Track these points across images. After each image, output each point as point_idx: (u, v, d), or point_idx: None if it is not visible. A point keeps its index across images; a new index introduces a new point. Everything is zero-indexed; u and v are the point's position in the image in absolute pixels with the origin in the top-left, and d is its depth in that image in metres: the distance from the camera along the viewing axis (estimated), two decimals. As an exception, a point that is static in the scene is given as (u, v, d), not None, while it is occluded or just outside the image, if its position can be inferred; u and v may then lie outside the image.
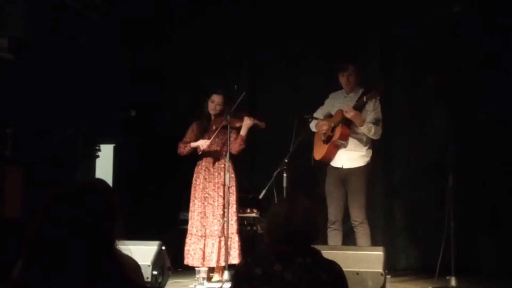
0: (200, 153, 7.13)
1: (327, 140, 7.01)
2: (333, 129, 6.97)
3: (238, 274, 3.09)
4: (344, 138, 6.90)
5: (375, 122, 6.89)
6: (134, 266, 2.50)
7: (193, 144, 7.15)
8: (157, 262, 6.06)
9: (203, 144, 7.08)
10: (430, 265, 6.77)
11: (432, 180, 7.87)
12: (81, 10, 8.32)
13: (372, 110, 6.91)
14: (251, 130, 7.13)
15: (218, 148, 7.16)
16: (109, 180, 8.51)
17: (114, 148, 8.89)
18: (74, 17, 8.21)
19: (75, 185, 2.13)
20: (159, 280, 6.06)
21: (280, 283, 2.88)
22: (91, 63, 8.50)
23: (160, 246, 6.20)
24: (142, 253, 5.84)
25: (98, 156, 8.48)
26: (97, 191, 2.13)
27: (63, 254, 2.01)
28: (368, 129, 6.82)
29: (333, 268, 2.98)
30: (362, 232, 6.85)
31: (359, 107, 6.83)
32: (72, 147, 7.47)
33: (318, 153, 7.11)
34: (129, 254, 2.37)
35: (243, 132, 7.07)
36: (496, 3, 7.95)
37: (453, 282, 6.21)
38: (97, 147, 8.46)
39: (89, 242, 2.02)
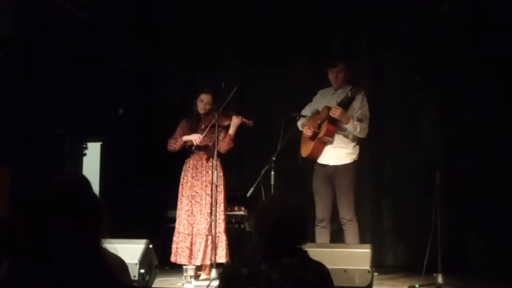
0: (193, 148, 7.10)
1: (314, 137, 7.03)
2: (319, 126, 6.99)
3: (225, 274, 3.08)
4: (330, 134, 6.91)
5: (362, 120, 6.91)
6: (120, 264, 2.50)
7: (185, 138, 7.12)
8: (144, 260, 6.04)
9: (196, 139, 7.05)
10: (418, 263, 6.78)
11: (420, 179, 7.89)
12: (70, 9, 8.30)
13: (360, 107, 6.93)
14: (239, 129, 7.13)
15: (207, 147, 7.16)
16: (96, 178, 8.50)
17: (101, 146, 8.86)
18: (62, 16, 8.19)
19: (61, 184, 2.13)
20: (146, 279, 6.05)
21: (267, 284, 2.88)
22: (79, 62, 8.48)
23: (147, 244, 6.19)
24: (129, 251, 5.82)
25: (85, 154, 8.46)
26: (83, 190, 2.13)
27: (49, 253, 2.00)
28: (354, 127, 6.84)
29: (320, 269, 2.96)
30: (351, 230, 6.86)
31: (344, 103, 6.87)
32: (60, 146, 7.46)
33: (305, 150, 7.12)
34: (115, 253, 2.37)
35: (231, 131, 7.07)
36: (484, 2, 7.97)
37: (439, 279, 6.23)
38: (84, 145, 8.44)
39: (75, 241, 2.02)
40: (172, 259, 7.08)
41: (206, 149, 7.15)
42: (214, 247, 6.85)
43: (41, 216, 2.05)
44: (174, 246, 7.10)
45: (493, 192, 7.97)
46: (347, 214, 6.89)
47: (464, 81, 8.07)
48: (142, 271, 5.95)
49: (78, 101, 8.49)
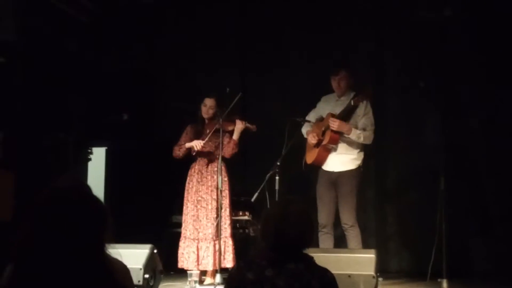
0: (194, 153, 7.12)
1: (318, 144, 7.02)
2: (323, 133, 6.98)
3: (230, 279, 3.08)
4: (334, 142, 6.90)
5: (366, 128, 6.89)
6: (123, 269, 2.49)
7: (188, 145, 7.16)
8: (149, 265, 6.04)
9: (197, 144, 7.08)
10: (422, 268, 6.78)
11: (424, 183, 7.86)
12: (72, 13, 8.30)
13: (363, 115, 6.92)
14: (243, 133, 7.14)
15: (211, 151, 7.17)
16: (101, 183, 8.50)
17: (106, 151, 8.86)
18: (64, 20, 8.19)
19: (64, 188, 2.12)
20: (151, 284, 6.05)
21: (272, 290, 2.87)
22: (82, 66, 8.48)
23: (152, 249, 6.19)
24: (134, 256, 5.83)
25: (90, 159, 8.46)
26: (86, 194, 2.12)
27: (52, 258, 2.00)
28: (357, 136, 6.82)
29: (325, 275, 2.96)
30: (353, 235, 6.84)
31: (347, 111, 6.85)
32: (64, 151, 7.46)
33: (310, 156, 7.11)
34: (119, 258, 2.37)
35: (235, 136, 7.08)
36: (486, 7, 7.96)
37: (444, 284, 6.23)
38: (89, 150, 8.44)
39: (78, 246, 2.02)
40: (180, 264, 7.08)
41: (208, 155, 7.17)
42: (220, 252, 6.84)
43: (44, 221, 2.04)
44: (180, 251, 7.09)
45: (497, 196, 7.94)
46: (349, 220, 6.87)
47: (467, 85, 8.05)
48: (146, 276, 5.95)
49: (82, 105, 8.49)
